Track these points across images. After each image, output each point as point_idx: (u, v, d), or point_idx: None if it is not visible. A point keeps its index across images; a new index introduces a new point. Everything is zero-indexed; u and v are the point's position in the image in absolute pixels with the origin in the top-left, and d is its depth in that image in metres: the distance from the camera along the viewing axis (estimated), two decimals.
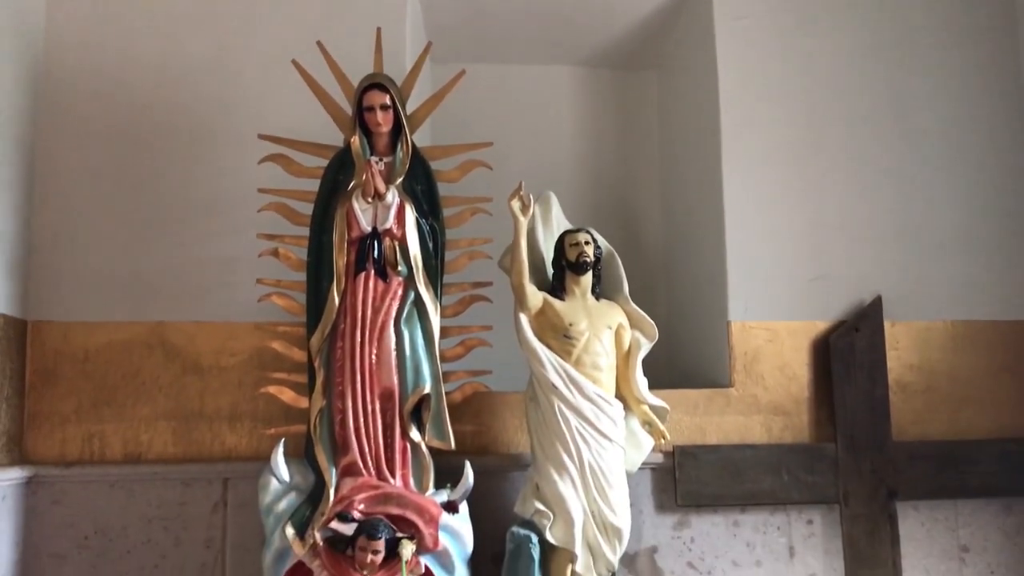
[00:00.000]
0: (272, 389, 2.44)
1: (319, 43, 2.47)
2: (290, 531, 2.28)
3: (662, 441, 2.54)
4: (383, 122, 2.42)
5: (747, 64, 2.98)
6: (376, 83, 2.41)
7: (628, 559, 2.71)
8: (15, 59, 2.51)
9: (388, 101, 2.41)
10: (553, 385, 2.41)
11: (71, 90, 2.69)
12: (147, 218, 2.68)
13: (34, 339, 2.61)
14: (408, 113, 2.48)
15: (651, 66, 3.47)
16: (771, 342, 2.88)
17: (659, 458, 2.74)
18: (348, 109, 2.49)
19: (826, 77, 3.00)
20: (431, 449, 2.37)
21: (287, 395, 2.45)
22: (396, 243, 2.40)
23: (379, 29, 2.52)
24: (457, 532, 2.35)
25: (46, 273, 2.61)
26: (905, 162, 3.00)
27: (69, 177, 2.66)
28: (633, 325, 2.55)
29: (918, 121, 3.02)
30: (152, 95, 2.71)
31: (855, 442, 2.82)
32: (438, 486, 2.37)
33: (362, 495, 2.29)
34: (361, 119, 2.43)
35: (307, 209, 2.47)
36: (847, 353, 2.86)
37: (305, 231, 2.47)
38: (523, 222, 2.46)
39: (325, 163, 2.49)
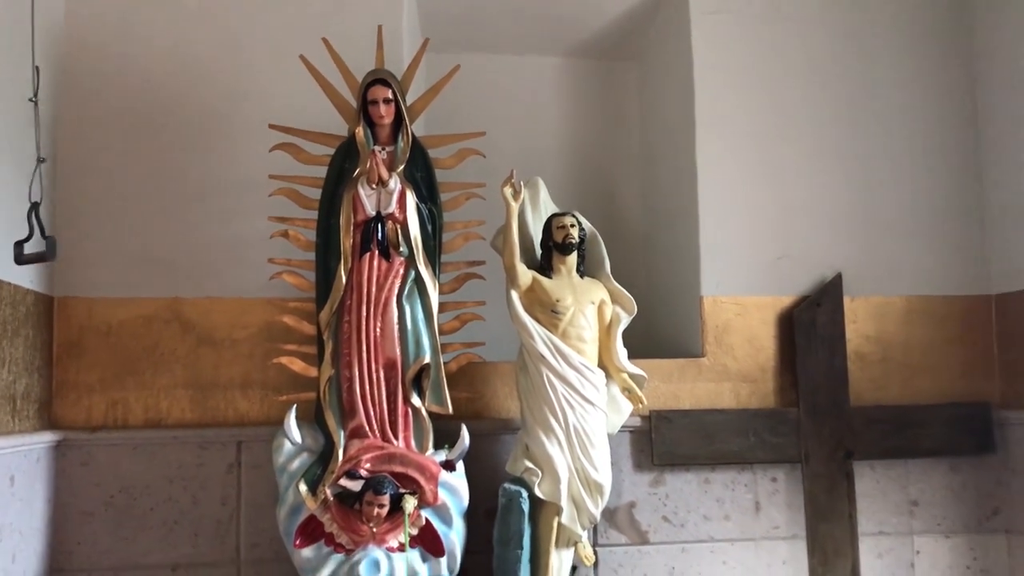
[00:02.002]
0: (284, 359, 2.65)
1: (325, 40, 2.65)
2: (303, 488, 2.50)
3: (640, 406, 2.76)
4: (386, 114, 2.61)
5: (720, 56, 3.18)
6: (380, 78, 2.61)
7: (608, 513, 2.95)
8: (38, 50, 2.67)
9: (390, 95, 2.61)
10: (541, 355, 2.63)
11: (93, 80, 2.85)
12: (165, 201, 2.86)
13: (60, 314, 2.80)
14: (407, 105, 2.69)
15: (632, 57, 3.65)
16: (740, 315, 3.11)
17: (637, 421, 2.96)
18: (352, 100, 2.69)
19: (793, 70, 3.20)
20: (430, 414, 2.58)
21: (297, 365, 2.66)
22: (398, 226, 2.61)
23: (380, 27, 2.70)
24: (455, 488, 2.58)
25: (71, 253, 2.79)
26: (865, 149, 3.22)
27: (92, 162, 2.83)
28: (614, 300, 2.78)
29: (877, 112, 3.23)
30: (169, 86, 2.88)
31: (816, 407, 3.07)
32: (437, 447, 2.58)
33: (368, 455, 2.51)
34: (365, 111, 2.62)
35: (315, 194, 2.67)
36: (809, 326, 3.10)
37: (313, 214, 2.67)
38: (514, 206, 2.67)
39: (331, 151, 2.68)
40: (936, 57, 3.29)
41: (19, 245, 2.19)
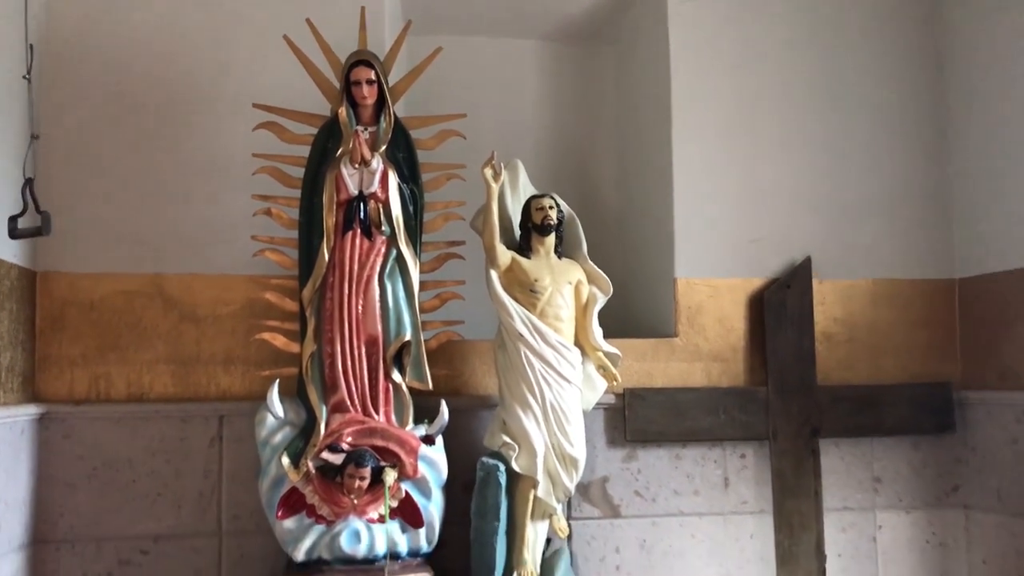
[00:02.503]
0: (266, 335, 2.69)
1: (308, 21, 2.68)
2: (286, 461, 2.56)
3: (614, 383, 2.84)
4: (368, 95, 2.66)
5: (696, 43, 3.24)
6: (363, 59, 2.65)
7: (582, 488, 3.03)
8: (21, 26, 2.68)
9: (373, 76, 2.65)
10: (520, 334, 2.70)
11: (74, 56, 2.86)
12: (148, 177, 2.88)
13: (43, 288, 2.82)
14: (390, 86, 2.73)
15: (609, 42, 3.71)
16: (712, 297, 3.20)
17: (611, 399, 3.04)
18: (335, 81, 2.73)
19: (766, 57, 3.27)
20: (411, 389, 2.64)
21: (280, 341, 2.70)
22: (380, 205, 2.66)
23: (363, 8, 2.74)
24: (434, 461, 2.65)
25: (55, 227, 2.80)
26: (834, 137, 3.30)
27: (75, 139, 2.85)
28: (591, 281, 2.85)
29: (846, 99, 3.31)
30: (153, 65, 2.90)
31: (784, 386, 3.16)
32: (417, 422, 2.65)
33: (350, 429, 2.57)
34: (348, 92, 2.67)
35: (298, 173, 2.71)
36: (779, 307, 3.19)
37: (296, 192, 2.71)
38: (494, 188, 2.73)
39: (314, 131, 2.72)
40: (905, 46, 3.38)
41: (13, 220, 2.22)
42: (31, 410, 2.70)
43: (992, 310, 3.19)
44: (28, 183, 2.21)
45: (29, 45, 2.29)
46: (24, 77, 2.24)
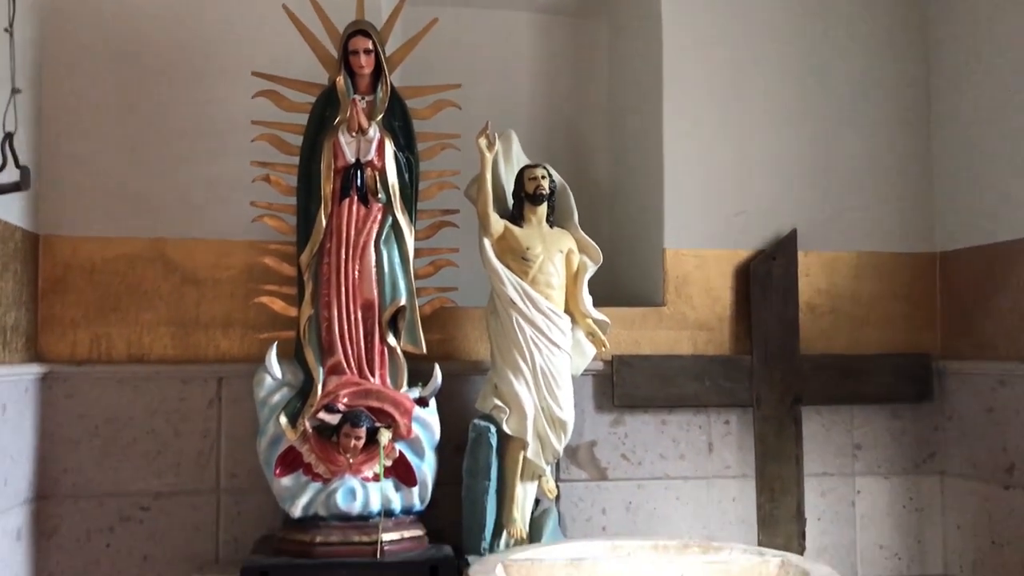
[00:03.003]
0: (264, 299, 2.76)
1: None
2: (283, 420, 2.64)
3: (603, 350, 2.93)
4: (366, 64, 2.71)
5: (687, 18, 3.28)
6: (361, 29, 2.70)
7: (571, 451, 3.12)
8: None
9: (371, 46, 2.70)
10: (512, 300, 2.78)
11: (78, 17, 2.91)
12: (149, 143, 2.93)
13: (45, 251, 2.88)
14: (386, 56, 2.79)
15: (602, 15, 3.74)
16: (699, 268, 3.27)
17: (600, 365, 3.12)
18: (333, 50, 2.78)
19: (756, 34, 3.32)
20: (405, 353, 2.71)
21: (278, 304, 2.77)
22: (376, 173, 2.72)
23: None
24: (427, 423, 2.73)
25: (56, 191, 2.87)
26: (821, 113, 3.36)
27: (77, 105, 2.89)
28: (581, 250, 2.92)
29: (833, 76, 3.37)
30: (154, 26, 2.94)
31: (768, 354, 3.25)
32: (411, 384, 2.71)
33: (346, 390, 2.64)
34: (346, 61, 2.72)
35: (296, 140, 2.76)
36: (764, 278, 3.27)
37: (294, 159, 2.77)
38: (488, 157, 2.79)
39: (312, 99, 2.78)
40: (891, 24, 3.44)
41: None
42: (35, 369, 2.77)
43: (971, 283, 3.28)
44: (8, 137, 2.21)
45: None
46: (5, 29, 2.25)
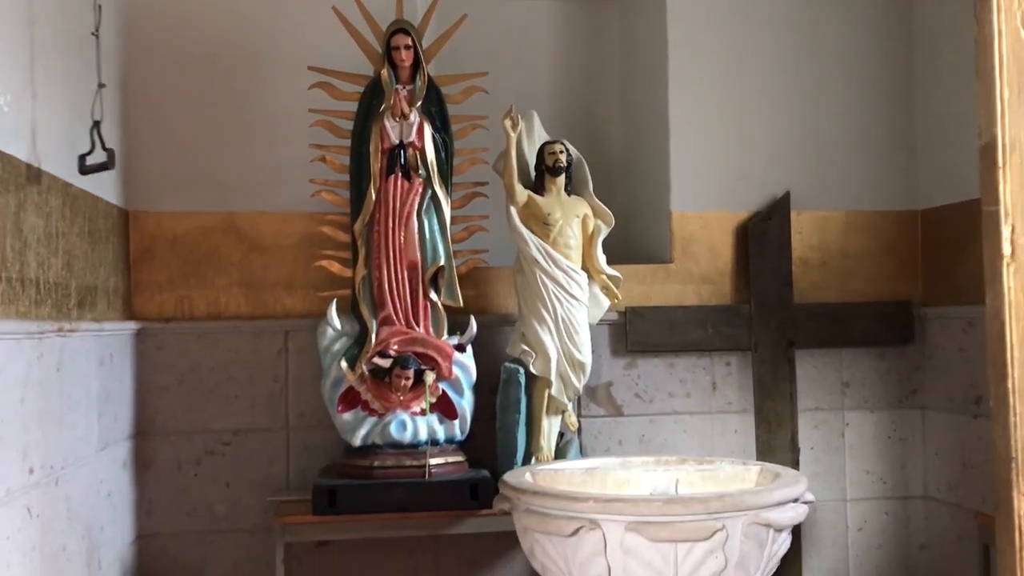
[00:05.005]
0: (324, 263, 3.20)
1: None
2: (344, 365, 3.10)
3: (615, 301, 3.34)
4: (406, 58, 3.12)
5: (690, 2, 3.63)
6: (401, 28, 3.11)
7: (590, 391, 3.55)
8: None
9: (410, 42, 3.12)
10: (536, 260, 3.20)
11: (158, 20, 3.35)
12: (220, 130, 3.38)
13: (134, 225, 3.35)
14: (423, 49, 3.20)
15: (614, 1, 4.12)
16: (703, 228, 3.67)
17: (615, 316, 3.51)
18: (376, 45, 3.20)
19: (753, 16, 3.65)
20: (445, 307, 3.14)
21: (335, 267, 3.22)
22: (417, 152, 3.14)
23: None
24: (465, 366, 3.18)
25: (142, 173, 3.32)
26: (813, 83, 3.70)
27: (159, 100, 3.33)
28: (596, 215, 3.32)
29: (824, 52, 3.70)
30: (221, 32, 3.37)
31: (765, 304, 3.64)
32: (450, 333, 3.14)
33: (396, 339, 3.08)
34: (389, 56, 3.14)
35: (347, 125, 3.18)
36: (761, 236, 3.65)
37: (345, 142, 3.19)
38: (513, 136, 3.21)
39: (360, 89, 3.20)
40: (875, 3, 3.79)
41: (82, 158, 2.64)
42: (131, 326, 3.25)
43: (948, 237, 3.65)
44: (96, 125, 2.63)
45: (97, 5, 2.69)
46: (92, 34, 2.66)
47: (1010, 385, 0.81)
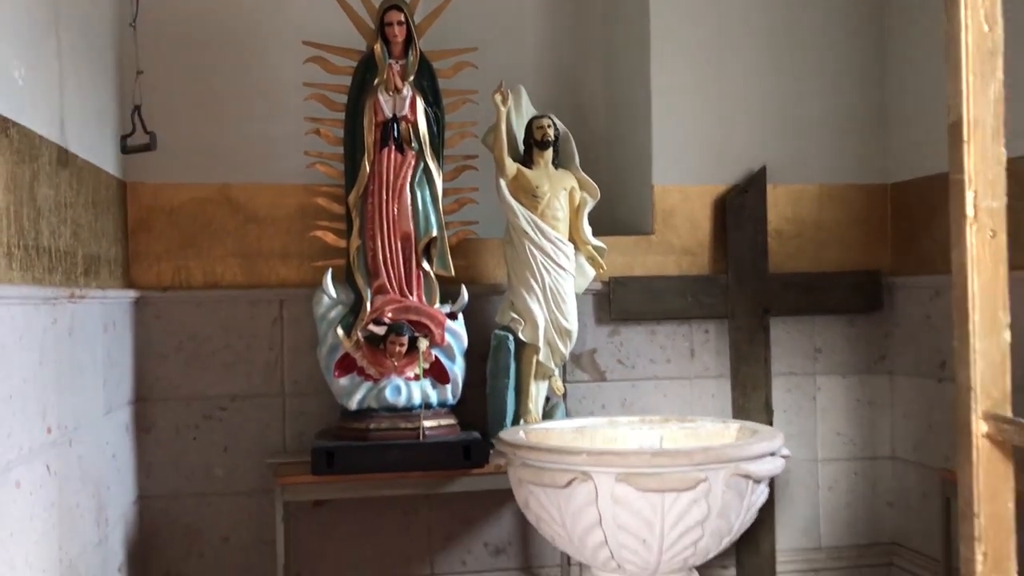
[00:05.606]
0: (319, 233, 3.30)
1: None
2: (340, 332, 3.21)
3: (600, 271, 3.48)
4: (399, 34, 3.22)
5: None
6: (394, 5, 3.20)
7: (575, 357, 3.69)
8: None
9: (403, 18, 3.21)
10: (524, 231, 3.32)
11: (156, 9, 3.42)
12: (218, 102, 3.45)
13: (132, 196, 3.43)
14: (415, 26, 3.29)
15: None
16: (684, 201, 3.81)
17: (599, 286, 3.65)
18: (370, 22, 3.29)
19: None
20: (437, 276, 3.27)
21: (330, 237, 3.32)
22: (410, 126, 3.24)
23: None
24: (457, 333, 3.30)
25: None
26: (790, 62, 3.83)
27: (158, 70, 3.38)
28: (582, 187, 3.45)
29: (800, 32, 3.84)
30: (220, 5, 3.46)
31: (741, 274, 3.80)
32: (442, 302, 3.28)
33: (390, 307, 3.21)
34: (382, 32, 3.24)
35: (341, 99, 3.28)
36: (738, 209, 3.80)
37: (339, 115, 3.29)
38: (503, 111, 3.32)
39: (353, 64, 3.29)
40: None
41: (124, 139, 2.76)
42: (131, 294, 3.34)
43: (916, 209, 3.82)
44: (136, 109, 2.75)
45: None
46: (130, 24, 2.77)
47: (970, 328, 0.94)
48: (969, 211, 0.96)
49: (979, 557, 0.93)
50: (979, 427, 0.93)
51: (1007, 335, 0.97)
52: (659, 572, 2.38)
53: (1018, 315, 1.13)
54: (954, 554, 3.15)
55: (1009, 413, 0.95)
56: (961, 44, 0.93)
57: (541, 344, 3.34)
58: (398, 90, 3.23)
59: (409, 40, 3.26)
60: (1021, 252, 1.14)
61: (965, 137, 0.95)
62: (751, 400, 3.81)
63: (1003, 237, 0.99)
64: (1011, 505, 0.95)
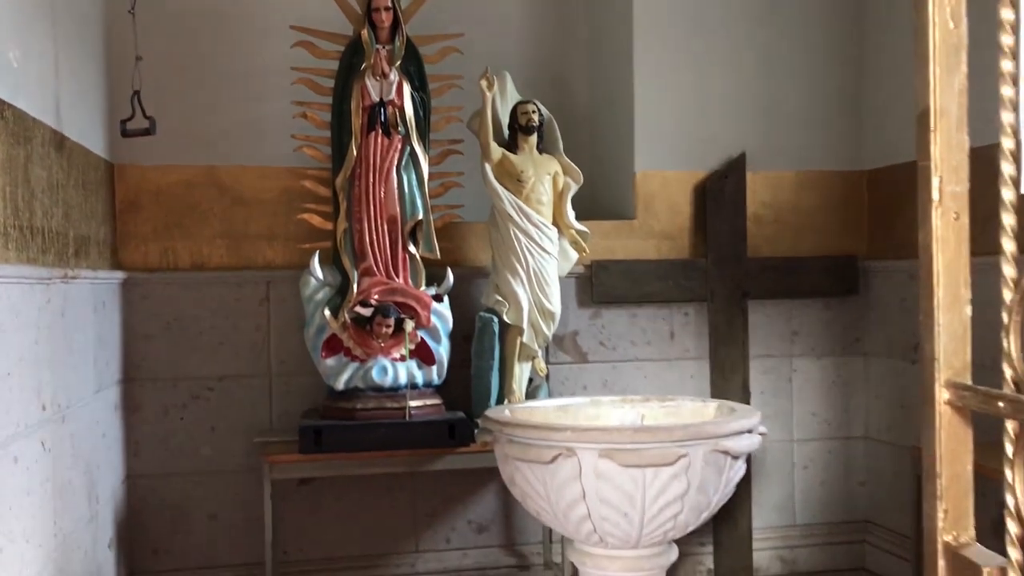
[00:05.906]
0: (306, 215, 3.36)
1: None
2: (327, 313, 3.27)
3: (583, 255, 3.55)
4: (386, 20, 3.26)
5: None
6: None
7: (558, 339, 3.76)
8: None
9: (390, 4, 3.25)
10: (509, 215, 3.38)
11: None
12: (205, 85, 3.49)
13: (120, 178, 3.45)
14: (402, 10, 3.33)
15: None
16: (664, 187, 3.88)
17: (581, 269, 3.72)
18: (357, 8, 3.32)
19: None
20: (423, 259, 3.33)
21: (316, 220, 3.37)
22: (396, 110, 3.29)
23: None
24: (442, 315, 3.36)
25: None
26: (769, 52, 3.91)
27: (145, 53, 3.39)
28: (566, 172, 3.51)
29: (779, 22, 3.91)
30: None
31: (720, 258, 3.88)
32: (428, 284, 3.33)
33: (377, 288, 3.26)
34: (370, 17, 3.28)
35: (328, 83, 3.32)
36: (718, 195, 3.88)
37: (326, 99, 3.33)
38: (489, 96, 3.36)
39: (341, 48, 3.33)
40: None
41: (123, 123, 2.77)
42: (118, 275, 3.37)
43: (891, 195, 3.91)
44: (136, 94, 2.78)
45: None
46: (129, 11, 2.80)
47: (935, 303, 1.02)
48: (935, 195, 1.03)
49: (940, 514, 1.00)
50: (941, 394, 1.01)
51: (968, 310, 1.05)
52: (640, 545, 2.46)
53: (981, 299, 1.22)
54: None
55: (969, 382, 1.03)
56: (928, 39, 1.00)
57: (525, 326, 3.41)
58: (385, 75, 3.27)
59: (396, 26, 3.30)
60: (984, 237, 1.22)
61: (932, 126, 1.02)
62: (729, 381, 3.90)
63: (966, 219, 1.06)
64: (970, 467, 1.03)
